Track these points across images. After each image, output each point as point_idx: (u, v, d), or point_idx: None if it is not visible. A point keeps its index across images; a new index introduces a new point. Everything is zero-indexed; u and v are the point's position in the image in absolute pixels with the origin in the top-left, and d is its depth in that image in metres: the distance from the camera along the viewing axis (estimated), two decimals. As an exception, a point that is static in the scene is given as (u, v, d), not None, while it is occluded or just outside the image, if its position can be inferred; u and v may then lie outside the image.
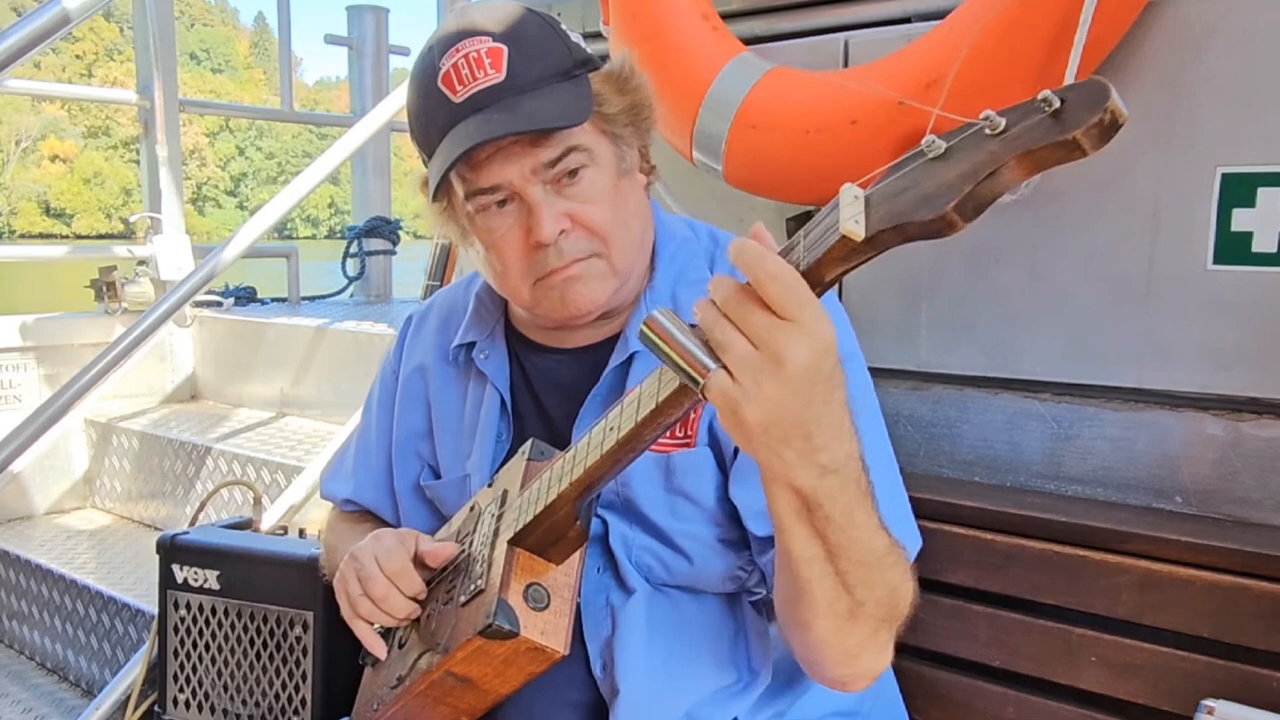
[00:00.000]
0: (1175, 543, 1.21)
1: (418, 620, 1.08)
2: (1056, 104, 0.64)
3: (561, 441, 0.97)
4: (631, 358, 1.11)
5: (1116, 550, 1.23)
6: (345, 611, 1.11)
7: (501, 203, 1.06)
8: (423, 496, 1.27)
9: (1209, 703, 1.11)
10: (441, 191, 1.09)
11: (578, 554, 1.01)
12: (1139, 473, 1.39)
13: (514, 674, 0.98)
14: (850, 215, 0.71)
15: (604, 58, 1.13)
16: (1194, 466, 1.35)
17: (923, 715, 1.34)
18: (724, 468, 1.09)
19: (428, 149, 1.08)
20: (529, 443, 1.09)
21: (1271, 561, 1.14)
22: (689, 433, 1.09)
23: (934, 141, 0.70)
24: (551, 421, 1.17)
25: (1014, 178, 0.67)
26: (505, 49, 1.02)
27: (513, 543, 0.98)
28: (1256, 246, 1.30)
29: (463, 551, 1.08)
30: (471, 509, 1.13)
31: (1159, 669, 1.19)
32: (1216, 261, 1.33)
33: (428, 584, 1.09)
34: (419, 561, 1.09)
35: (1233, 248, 1.31)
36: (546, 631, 0.95)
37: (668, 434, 1.07)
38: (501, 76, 1.02)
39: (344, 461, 1.41)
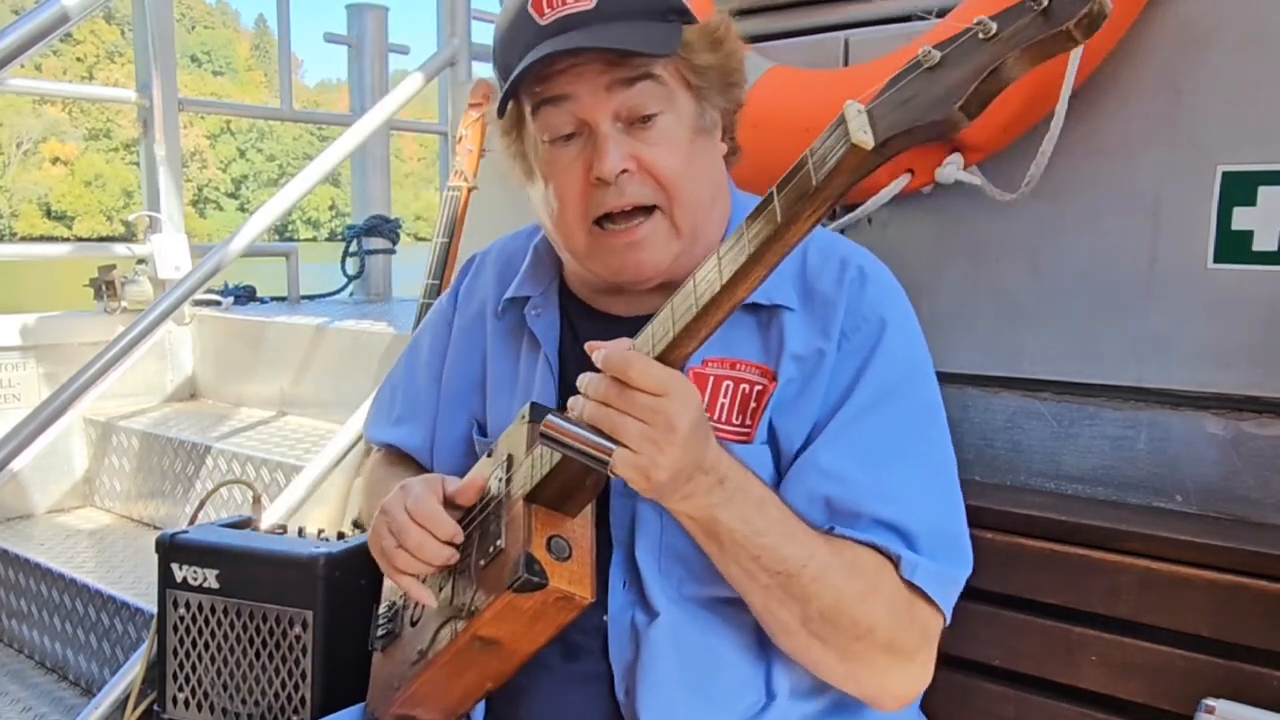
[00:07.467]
0: (1175, 542, 1.20)
1: (441, 587, 1.06)
2: (1045, 1, 0.69)
3: None
4: None
5: (1117, 549, 1.23)
6: (383, 567, 1.07)
7: (569, 136, 1.04)
8: (467, 451, 1.23)
9: (1209, 702, 1.11)
10: (512, 121, 1.09)
11: (590, 506, 1.01)
12: (1139, 471, 1.39)
13: (542, 628, 0.98)
14: (858, 126, 0.74)
15: None
16: (1194, 465, 1.34)
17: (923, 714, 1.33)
18: (780, 469, 1.07)
19: (506, 70, 1.05)
20: (527, 406, 1.07)
21: (1272, 561, 1.14)
22: (749, 423, 1.06)
23: (929, 51, 0.73)
24: None
25: (1015, 73, 0.71)
26: None
27: (528, 500, 0.99)
28: (1257, 245, 1.30)
29: (477, 508, 1.06)
30: None
31: (1159, 668, 1.19)
32: (1217, 260, 1.33)
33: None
34: (449, 504, 1.06)
35: (1233, 246, 1.31)
36: (573, 580, 0.96)
37: (724, 421, 1.06)
38: (591, 4, 1.00)
39: (390, 406, 1.37)
